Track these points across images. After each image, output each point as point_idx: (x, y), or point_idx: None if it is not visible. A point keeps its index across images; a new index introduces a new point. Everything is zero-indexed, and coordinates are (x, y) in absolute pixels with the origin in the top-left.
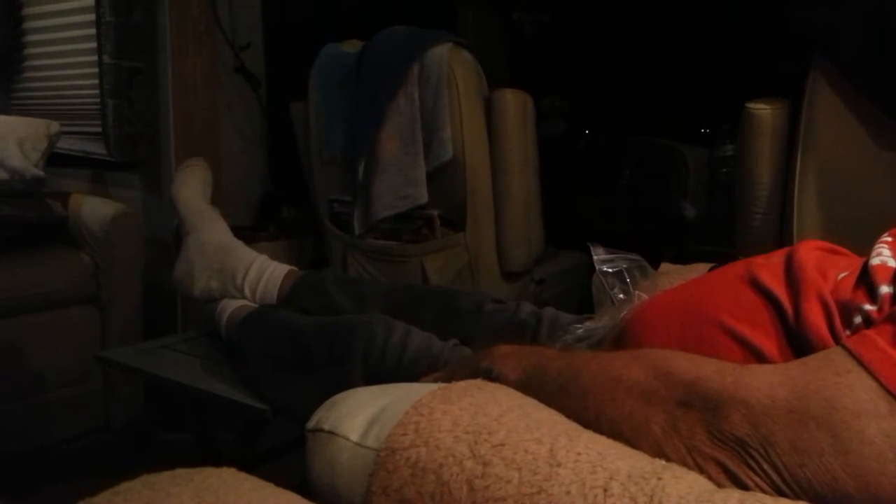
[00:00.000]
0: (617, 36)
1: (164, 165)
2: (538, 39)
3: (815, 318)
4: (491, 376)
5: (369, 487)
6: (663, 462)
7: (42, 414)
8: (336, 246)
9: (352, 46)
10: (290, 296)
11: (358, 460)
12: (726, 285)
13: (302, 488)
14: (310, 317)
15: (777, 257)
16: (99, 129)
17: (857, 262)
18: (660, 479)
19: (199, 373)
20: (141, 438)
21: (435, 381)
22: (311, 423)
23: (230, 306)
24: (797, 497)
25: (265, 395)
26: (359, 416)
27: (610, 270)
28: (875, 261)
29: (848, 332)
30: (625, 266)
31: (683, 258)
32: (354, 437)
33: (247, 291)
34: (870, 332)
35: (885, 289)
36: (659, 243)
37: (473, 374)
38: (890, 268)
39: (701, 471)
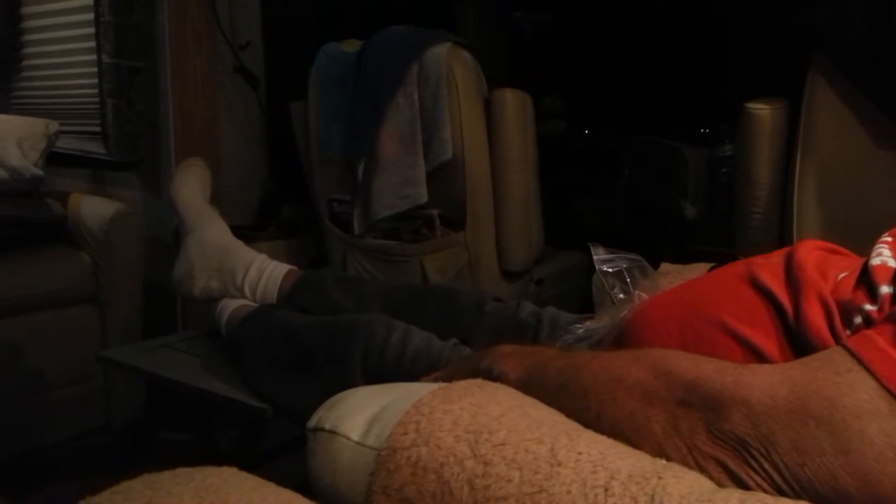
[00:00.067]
0: (617, 36)
1: (163, 165)
2: (538, 39)
3: (815, 318)
4: (491, 376)
5: (370, 487)
6: (664, 462)
7: (42, 414)
8: (336, 245)
9: (351, 46)
10: (290, 295)
11: (359, 460)
12: (726, 285)
13: (302, 488)
14: (310, 316)
15: (777, 257)
16: (98, 129)
17: (858, 262)
18: (660, 478)
19: (200, 372)
20: (141, 438)
21: (435, 380)
22: (311, 423)
23: (230, 306)
24: (798, 496)
25: (265, 395)
26: (359, 416)
27: (610, 270)
28: (875, 261)
29: (848, 332)
30: (625, 266)
31: (683, 258)
32: (355, 436)
33: (247, 291)
34: (870, 332)
35: (885, 289)
36: (659, 243)
37: (474, 373)
38: (890, 268)
39: (702, 470)
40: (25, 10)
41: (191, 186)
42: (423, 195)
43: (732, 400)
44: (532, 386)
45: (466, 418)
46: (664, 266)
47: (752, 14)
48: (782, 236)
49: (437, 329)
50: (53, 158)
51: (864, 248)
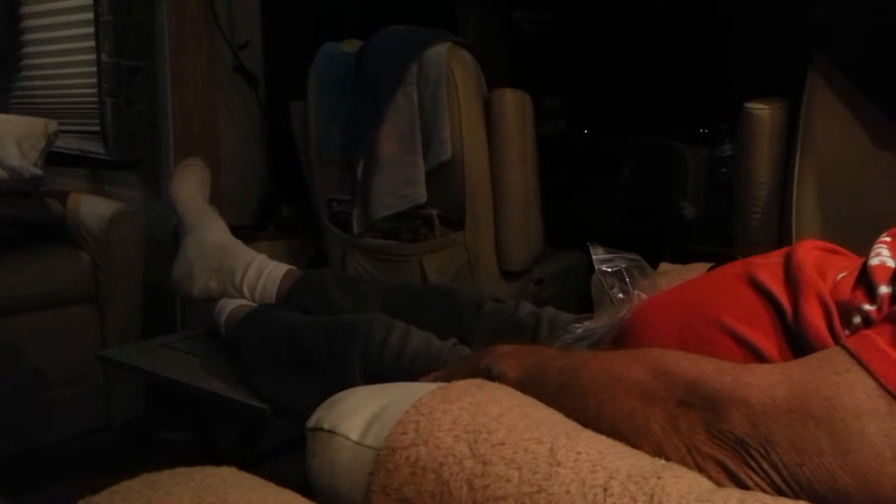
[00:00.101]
0: (616, 36)
1: (162, 164)
2: (538, 39)
3: (814, 318)
4: (491, 375)
5: (369, 486)
6: (663, 461)
7: (42, 413)
8: (335, 245)
9: (351, 46)
10: (289, 295)
11: (358, 459)
12: (725, 285)
13: (302, 487)
14: (309, 316)
15: (776, 257)
16: (97, 128)
17: (856, 262)
18: (660, 478)
19: (199, 372)
20: (140, 438)
21: (434, 380)
22: (310, 422)
23: (229, 306)
24: (797, 496)
25: (265, 395)
26: (359, 416)
27: (609, 270)
28: (874, 261)
29: (847, 332)
30: (624, 266)
31: (682, 258)
32: (354, 436)
33: (246, 291)
34: (869, 332)
35: (884, 289)
36: (658, 243)
37: (473, 373)
38: (889, 268)
39: (701, 470)
40: (25, 9)
41: (190, 186)
42: (422, 195)
43: (731, 400)
44: (531, 386)
45: (465, 418)
46: (663, 266)
47: (752, 14)
48: (781, 236)
49: (436, 329)
50: (53, 158)
51: (864, 248)
